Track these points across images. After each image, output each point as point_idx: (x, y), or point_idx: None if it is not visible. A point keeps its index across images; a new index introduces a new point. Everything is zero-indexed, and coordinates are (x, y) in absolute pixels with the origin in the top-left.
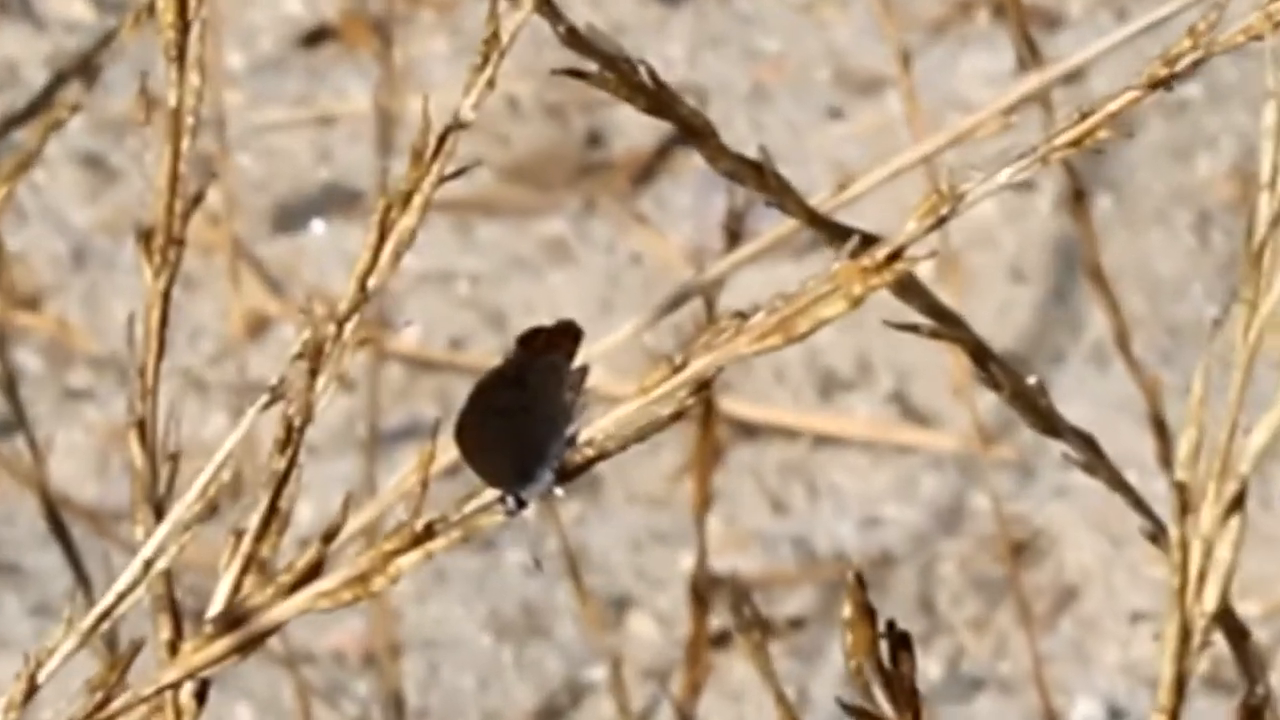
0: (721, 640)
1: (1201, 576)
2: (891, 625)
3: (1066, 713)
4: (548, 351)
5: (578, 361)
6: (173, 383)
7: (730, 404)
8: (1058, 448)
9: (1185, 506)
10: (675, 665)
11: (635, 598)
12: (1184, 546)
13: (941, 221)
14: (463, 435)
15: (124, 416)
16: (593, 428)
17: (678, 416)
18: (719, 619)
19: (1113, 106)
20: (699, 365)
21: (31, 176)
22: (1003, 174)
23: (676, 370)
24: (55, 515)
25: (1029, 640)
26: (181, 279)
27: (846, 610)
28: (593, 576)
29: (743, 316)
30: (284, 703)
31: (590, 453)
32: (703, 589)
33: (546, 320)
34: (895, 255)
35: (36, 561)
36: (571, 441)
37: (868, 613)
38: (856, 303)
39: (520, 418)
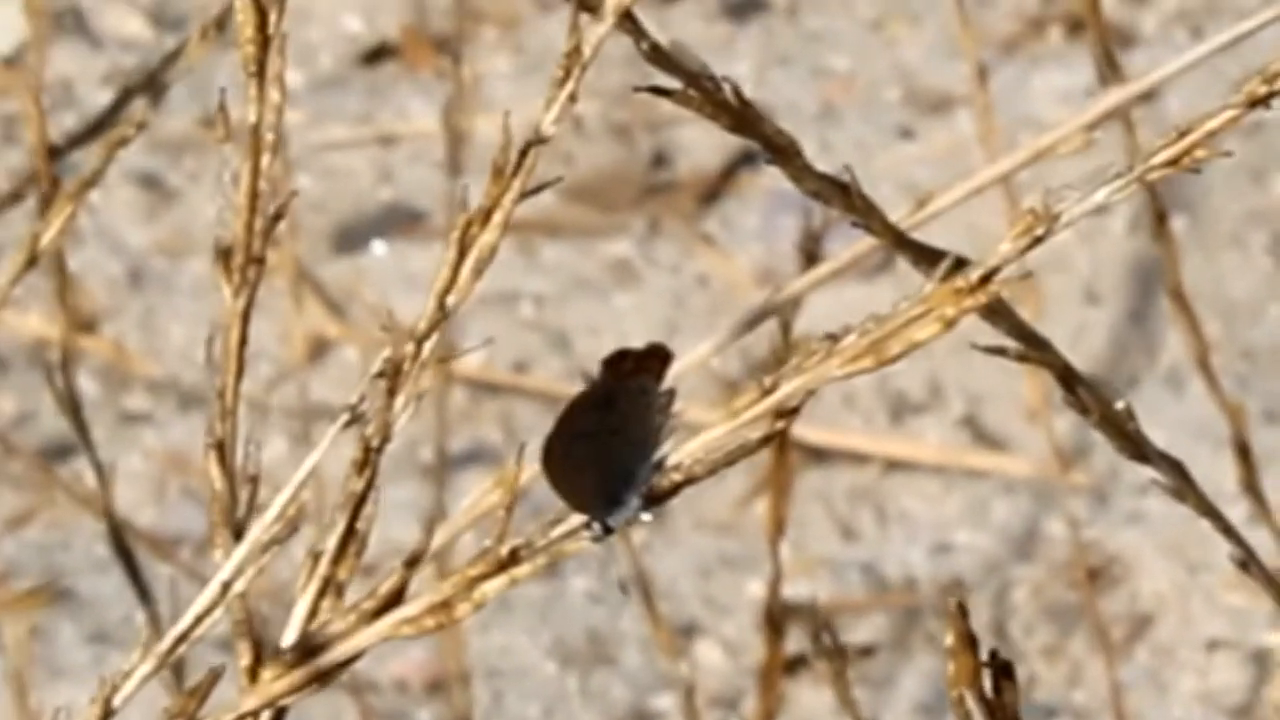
0: (790, 668)
1: None
2: (994, 654)
3: None
4: (636, 374)
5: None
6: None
7: (799, 428)
8: (1132, 473)
9: None
10: (742, 694)
11: (702, 625)
12: None
13: (1037, 242)
14: (549, 459)
15: (183, 441)
16: (680, 452)
17: (767, 441)
18: (789, 646)
19: (1211, 124)
20: (789, 388)
21: (88, 197)
22: (1099, 194)
23: (766, 393)
24: (120, 539)
25: (1104, 668)
26: None
27: (948, 639)
28: (659, 603)
29: (833, 339)
30: None
31: (678, 477)
32: (777, 615)
33: (611, 342)
34: (988, 277)
35: (94, 588)
36: (659, 466)
37: (970, 641)
38: (950, 325)
39: (608, 441)
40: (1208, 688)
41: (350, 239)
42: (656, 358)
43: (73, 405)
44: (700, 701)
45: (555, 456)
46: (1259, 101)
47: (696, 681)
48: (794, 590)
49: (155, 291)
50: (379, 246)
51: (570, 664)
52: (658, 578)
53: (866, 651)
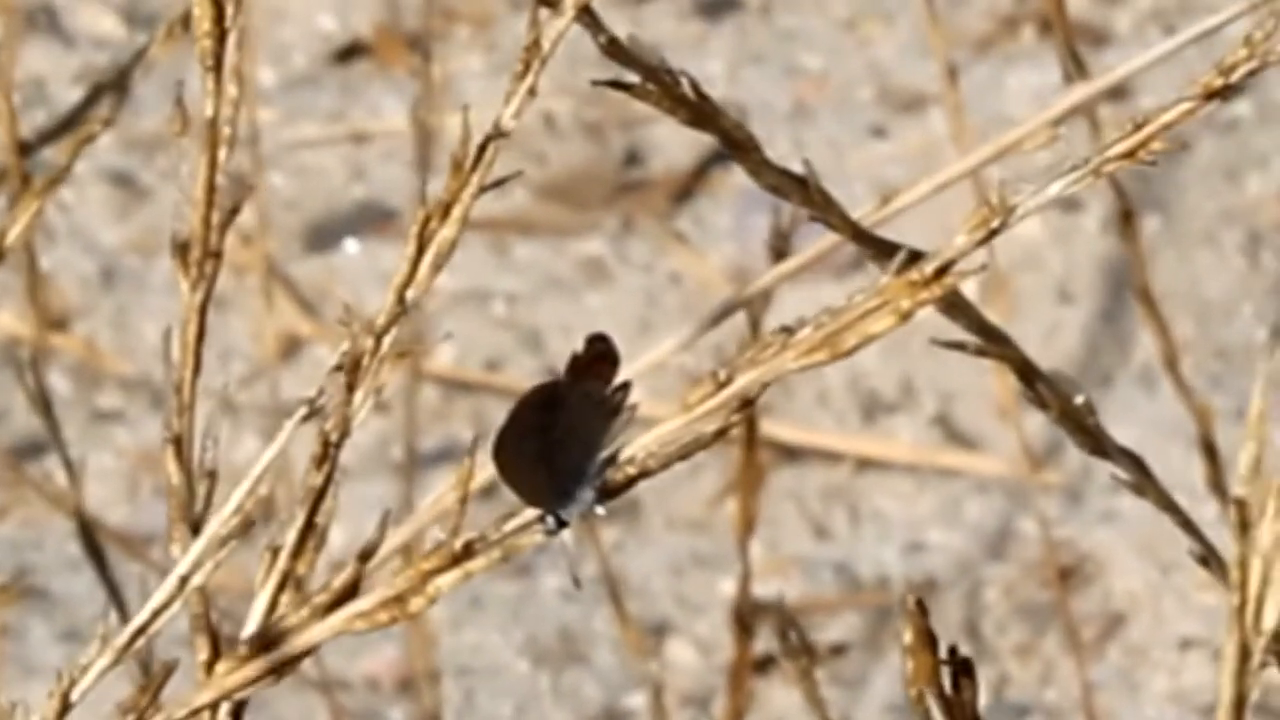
0: (762, 666)
1: (1260, 595)
2: (953, 651)
3: None
4: (588, 373)
5: (620, 378)
6: (204, 404)
7: (772, 427)
8: (1105, 472)
9: (1245, 523)
10: (714, 692)
11: (674, 624)
12: (1243, 564)
13: (993, 234)
14: (500, 454)
15: (155, 439)
16: (634, 445)
17: (722, 434)
18: (760, 645)
19: (1167, 117)
20: (744, 381)
21: (60, 195)
22: (1054, 186)
23: (721, 386)
24: (90, 538)
25: (1076, 667)
26: (212, 299)
27: (907, 636)
28: (631, 602)
29: (788, 332)
30: None
31: (632, 471)
32: (746, 614)
33: (583, 342)
34: (944, 270)
35: (66, 586)
36: (613, 460)
37: (929, 639)
38: (905, 318)
39: (558, 436)
40: (1180, 687)
41: (322, 237)
42: (607, 359)
43: (44, 403)
44: (673, 700)
45: (506, 452)
46: (1215, 94)
47: (668, 680)
48: (767, 589)
49: (127, 290)
50: (351, 245)
51: (542, 663)
52: (630, 577)
53: (838, 651)
